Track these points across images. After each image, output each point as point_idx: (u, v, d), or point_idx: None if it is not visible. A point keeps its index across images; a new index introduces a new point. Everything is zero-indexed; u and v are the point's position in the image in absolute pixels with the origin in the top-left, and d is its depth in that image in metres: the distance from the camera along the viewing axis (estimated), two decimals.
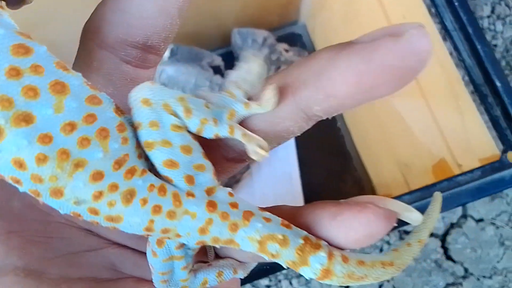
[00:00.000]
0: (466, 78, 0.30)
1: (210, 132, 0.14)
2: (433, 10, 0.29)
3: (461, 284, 0.67)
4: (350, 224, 0.13)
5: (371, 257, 0.14)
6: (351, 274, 0.13)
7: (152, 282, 0.16)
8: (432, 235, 0.67)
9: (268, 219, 0.14)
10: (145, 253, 0.16)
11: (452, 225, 0.68)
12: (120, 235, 0.16)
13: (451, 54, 0.32)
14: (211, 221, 0.13)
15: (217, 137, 0.14)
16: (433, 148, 0.44)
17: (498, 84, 0.28)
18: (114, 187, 0.13)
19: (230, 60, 0.60)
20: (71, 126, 0.12)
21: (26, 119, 0.12)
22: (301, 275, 0.66)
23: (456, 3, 0.29)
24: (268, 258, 0.14)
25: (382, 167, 0.56)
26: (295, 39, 0.67)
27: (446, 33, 0.30)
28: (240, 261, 0.16)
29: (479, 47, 0.28)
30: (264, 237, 0.13)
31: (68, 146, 0.12)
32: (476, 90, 0.29)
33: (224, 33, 0.62)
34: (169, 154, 0.13)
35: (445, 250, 0.67)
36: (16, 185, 0.12)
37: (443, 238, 0.67)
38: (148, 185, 0.13)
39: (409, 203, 0.29)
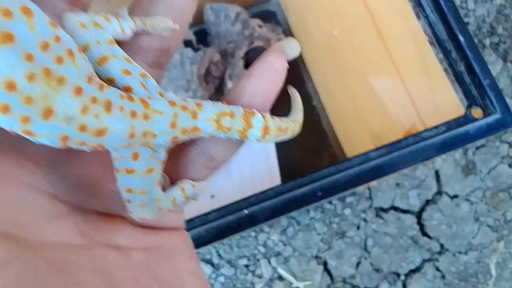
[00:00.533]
0: (431, 34, 0.30)
1: (126, 25, 0.16)
2: None
3: (437, 259, 0.67)
4: (260, 72, 0.17)
5: (284, 118, 0.18)
6: (279, 127, 0.17)
7: (120, 249, 0.16)
8: (407, 212, 0.68)
9: (212, 104, 0.16)
10: (108, 215, 0.17)
11: (427, 202, 0.68)
12: (83, 196, 0.17)
13: (417, 15, 0.32)
14: (176, 115, 0.15)
15: (132, 30, 0.16)
16: (405, 118, 0.44)
17: (461, 39, 0.28)
18: (94, 100, 0.14)
19: (203, 36, 0.59)
20: (46, 45, 0.13)
21: (10, 37, 0.12)
22: (279, 254, 0.66)
23: None
24: (224, 135, 0.16)
25: (356, 142, 0.56)
26: (269, 16, 0.66)
27: None
28: (194, 180, 0.18)
29: (442, 1, 0.28)
30: (218, 115, 0.16)
31: (47, 63, 0.13)
32: (440, 46, 0.29)
33: (198, 10, 0.61)
34: (121, 64, 0.15)
35: (421, 226, 0.68)
36: (3, 115, 0.12)
37: (419, 214, 0.68)
38: (118, 95, 0.14)
39: (377, 157, 0.29)
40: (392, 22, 0.38)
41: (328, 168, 0.27)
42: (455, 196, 0.70)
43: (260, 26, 0.59)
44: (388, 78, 0.44)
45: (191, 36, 0.52)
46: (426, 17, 0.29)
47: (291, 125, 0.18)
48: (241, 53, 0.56)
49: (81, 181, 0.17)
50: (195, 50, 0.50)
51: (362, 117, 0.51)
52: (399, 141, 0.29)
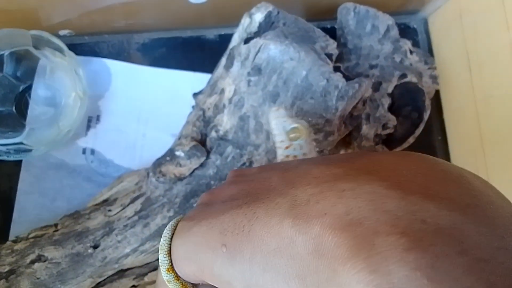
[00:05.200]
0: None
1: None
2: None
3: None
4: None
5: None
6: None
7: None
8: None
9: None
10: None
11: None
12: None
13: None
14: None
15: None
16: None
17: None
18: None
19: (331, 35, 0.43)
20: None
21: None
22: None
23: None
24: None
25: None
26: (406, 33, 0.50)
27: None
28: None
29: None
30: None
31: None
32: None
33: (329, 4, 0.44)
34: None
35: None
36: None
37: None
38: None
39: None
40: None
41: None
42: None
43: (411, 52, 0.43)
44: None
45: (333, 50, 0.36)
46: None
47: None
48: (389, 88, 0.40)
49: None
50: (347, 78, 0.34)
51: None
52: None
